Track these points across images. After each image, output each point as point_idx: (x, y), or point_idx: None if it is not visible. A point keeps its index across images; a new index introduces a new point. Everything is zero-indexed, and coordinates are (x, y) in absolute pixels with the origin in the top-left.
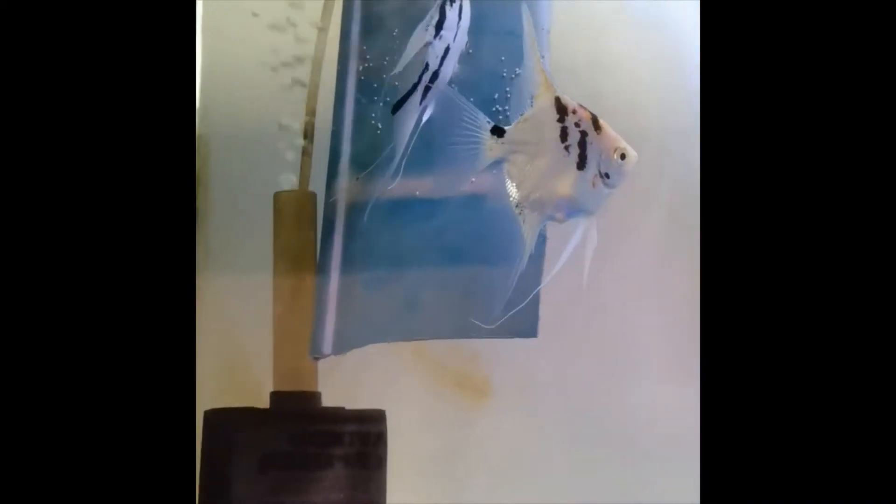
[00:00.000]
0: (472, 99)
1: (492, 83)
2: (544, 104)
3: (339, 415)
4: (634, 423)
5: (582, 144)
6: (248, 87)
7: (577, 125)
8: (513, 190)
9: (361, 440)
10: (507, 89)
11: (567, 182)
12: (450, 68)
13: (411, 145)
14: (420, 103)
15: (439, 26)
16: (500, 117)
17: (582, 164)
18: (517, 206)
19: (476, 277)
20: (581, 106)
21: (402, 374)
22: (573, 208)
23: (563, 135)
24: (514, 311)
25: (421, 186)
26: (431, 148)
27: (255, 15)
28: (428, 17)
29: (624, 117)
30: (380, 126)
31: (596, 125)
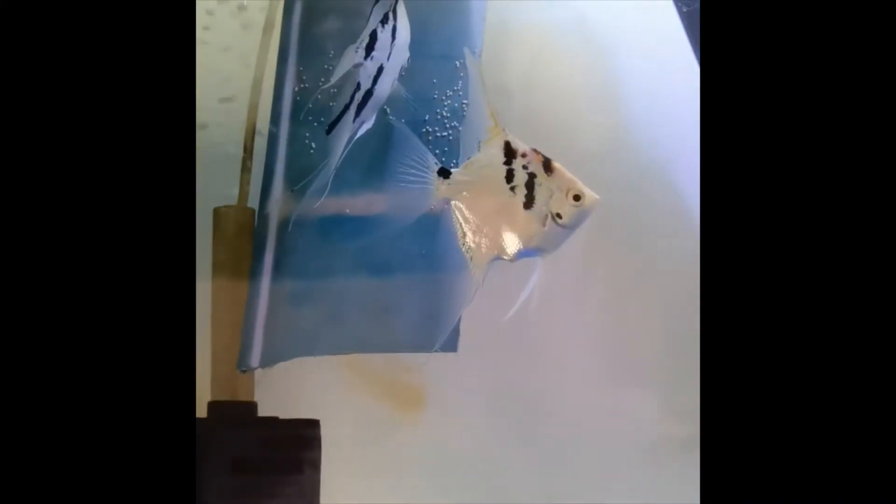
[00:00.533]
0: (403, 120)
1: (423, 105)
2: (492, 148)
3: (273, 424)
4: (563, 425)
5: (529, 185)
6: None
7: (524, 167)
8: (460, 229)
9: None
10: (438, 111)
11: (513, 222)
12: (386, 86)
13: (340, 161)
14: (353, 121)
15: (370, 48)
16: (430, 138)
17: (529, 204)
18: (464, 245)
19: (402, 293)
20: (534, 150)
21: (338, 385)
22: (523, 248)
23: (509, 176)
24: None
25: (352, 205)
26: (368, 168)
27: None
28: (359, 39)
29: (559, 138)
30: (313, 145)
31: (548, 168)
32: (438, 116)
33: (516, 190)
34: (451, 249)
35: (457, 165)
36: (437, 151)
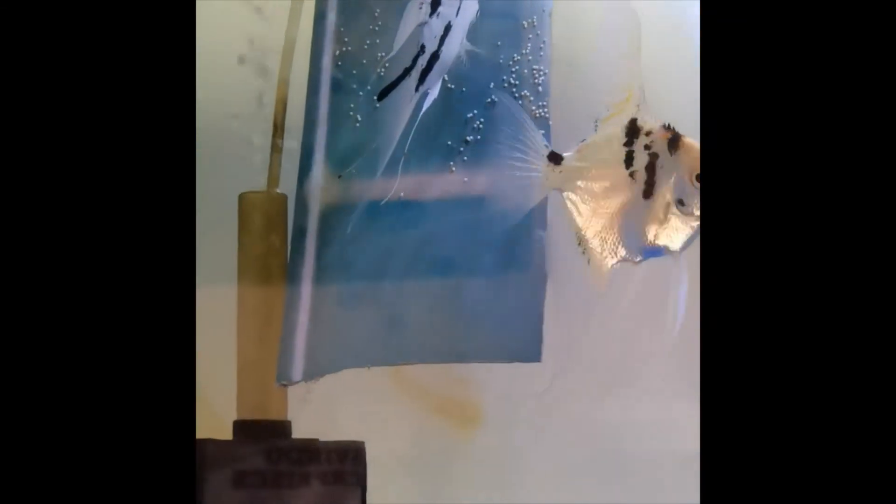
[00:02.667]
0: (463, 89)
1: (487, 71)
2: (613, 126)
3: (312, 447)
4: (636, 452)
5: (650, 169)
6: (209, 74)
7: (646, 147)
8: (574, 226)
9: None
10: (504, 77)
11: (633, 215)
12: (454, 47)
13: (409, 139)
14: (416, 89)
15: (436, 3)
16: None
17: (649, 192)
18: (580, 242)
19: (472, 293)
20: (665, 127)
21: (383, 402)
22: (646, 246)
23: (629, 159)
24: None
25: (406, 187)
26: (426, 144)
27: None
28: None
29: None
30: (359, 118)
31: (673, 146)
32: (505, 84)
33: (636, 175)
34: (539, 245)
35: None
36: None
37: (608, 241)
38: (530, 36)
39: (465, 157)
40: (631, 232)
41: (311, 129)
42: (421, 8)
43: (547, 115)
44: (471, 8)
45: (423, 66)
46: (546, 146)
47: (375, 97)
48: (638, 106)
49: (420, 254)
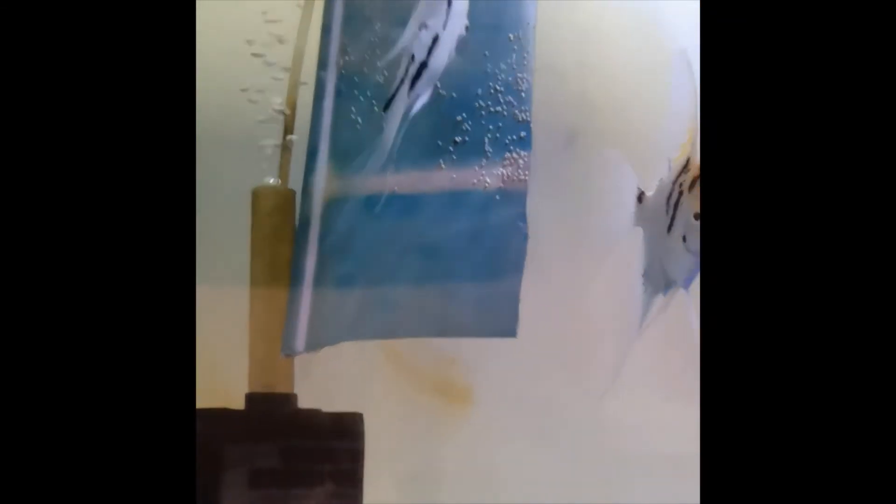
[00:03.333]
0: (453, 95)
1: (476, 78)
2: (679, 165)
3: (315, 416)
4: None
5: (676, 205)
6: (227, 77)
7: (679, 185)
8: (646, 260)
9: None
10: (491, 84)
11: (660, 248)
12: (442, 58)
13: (397, 137)
14: (408, 95)
15: (424, 16)
16: (483, 114)
17: (670, 226)
18: (643, 276)
19: (452, 275)
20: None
21: (379, 377)
22: (668, 279)
23: (669, 195)
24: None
25: (400, 182)
26: (419, 144)
27: None
28: (413, 8)
29: (610, 118)
30: (360, 121)
31: (694, 184)
32: (492, 91)
33: (668, 212)
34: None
35: (515, 144)
36: (491, 127)
37: (653, 275)
38: (515, 47)
39: (454, 156)
40: (657, 266)
41: (316, 130)
42: (411, 21)
43: (529, 119)
44: (459, 23)
45: (414, 74)
46: (638, 188)
47: (379, 107)
48: (692, 145)
49: (410, 241)
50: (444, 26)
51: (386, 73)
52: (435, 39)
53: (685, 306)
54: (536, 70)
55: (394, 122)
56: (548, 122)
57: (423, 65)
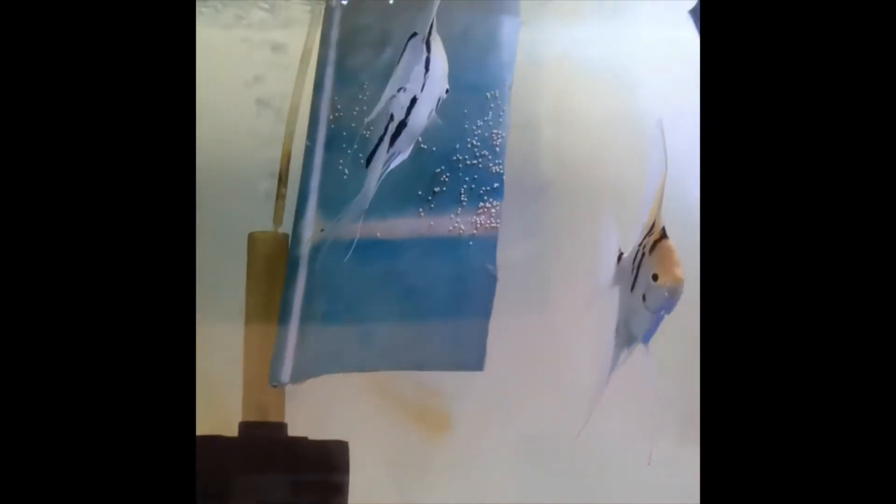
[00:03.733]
0: (434, 148)
1: (455, 134)
2: (646, 228)
3: (302, 444)
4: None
5: (639, 266)
6: (229, 131)
7: (643, 246)
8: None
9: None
10: (468, 139)
11: (625, 305)
12: (421, 118)
13: (375, 189)
14: (387, 151)
15: (403, 80)
16: (461, 166)
17: (633, 285)
18: (616, 334)
19: (426, 314)
20: (662, 229)
21: (366, 408)
22: (628, 335)
23: (634, 256)
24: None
25: (381, 228)
26: (399, 194)
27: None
28: (393, 72)
29: (584, 173)
30: (346, 171)
31: (654, 246)
32: (469, 145)
33: (632, 271)
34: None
35: (489, 194)
36: (467, 178)
37: (619, 332)
38: (492, 105)
39: (432, 205)
40: (622, 323)
41: (307, 179)
42: (391, 83)
43: (502, 171)
44: (439, 86)
45: (393, 132)
46: (620, 250)
47: (363, 160)
48: (659, 210)
49: (389, 282)
50: (422, 89)
51: (371, 130)
52: (413, 101)
53: (643, 361)
54: (511, 126)
55: (374, 176)
56: (520, 175)
57: (403, 124)
